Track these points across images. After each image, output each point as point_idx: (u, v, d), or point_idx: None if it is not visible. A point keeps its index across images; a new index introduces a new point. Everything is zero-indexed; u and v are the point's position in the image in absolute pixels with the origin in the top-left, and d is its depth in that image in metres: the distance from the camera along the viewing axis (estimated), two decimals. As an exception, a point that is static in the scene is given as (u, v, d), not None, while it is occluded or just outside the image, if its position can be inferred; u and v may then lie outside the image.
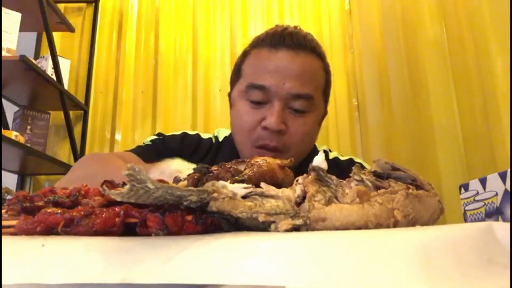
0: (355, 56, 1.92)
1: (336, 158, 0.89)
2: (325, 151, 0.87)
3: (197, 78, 1.99)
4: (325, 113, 0.83)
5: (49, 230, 0.32)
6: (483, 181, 0.52)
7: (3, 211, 0.37)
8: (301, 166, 0.62)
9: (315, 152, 0.85)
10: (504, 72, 1.05)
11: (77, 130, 1.93)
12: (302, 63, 0.73)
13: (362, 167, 0.79)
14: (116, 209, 0.32)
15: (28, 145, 1.64)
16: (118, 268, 0.25)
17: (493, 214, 0.49)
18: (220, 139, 0.89)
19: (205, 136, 0.90)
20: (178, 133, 0.90)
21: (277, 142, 0.72)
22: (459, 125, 1.28)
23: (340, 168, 0.84)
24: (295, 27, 0.78)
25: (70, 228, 0.32)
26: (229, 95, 0.83)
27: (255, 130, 0.73)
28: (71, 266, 0.25)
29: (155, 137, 0.89)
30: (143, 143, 0.87)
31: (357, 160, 0.89)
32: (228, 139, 0.87)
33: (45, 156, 1.66)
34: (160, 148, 0.84)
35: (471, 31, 1.19)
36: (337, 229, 0.33)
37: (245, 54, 0.80)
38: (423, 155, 1.41)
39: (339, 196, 0.36)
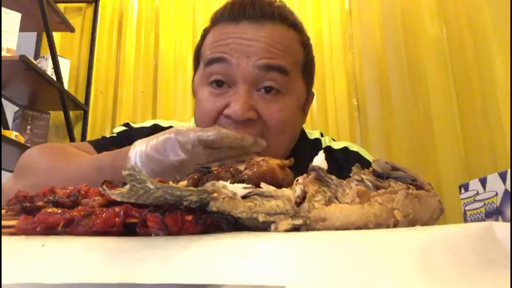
0: (355, 56, 1.92)
1: (329, 147, 0.77)
2: (317, 139, 0.79)
3: (197, 78, 1.99)
4: (309, 98, 0.70)
5: (49, 230, 0.32)
6: (483, 181, 0.52)
7: (3, 211, 0.37)
8: (291, 157, 0.54)
9: (306, 141, 0.75)
10: (504, 72, 1.05)
11: (77, 130, 1.93)
12: (269, 34, 0.60)
13: (358, 156, 0.75)
14: (116, 209, 0.32)
15: (28, 145, 1.64)
16: (118, 268, 0.25)
17: (493, 214, 0.49)
18: None
19: (180, 125, 0.77)
20: (149, 124, 0.79)
21: (247, 131, 0.56)
22: (459, 125, 1.28)
23: (334, 160, 0.72)
24: None
25: (70, 228, 0.32)
26: (192, 85, 0.72)
27: (218, 119, 0.60)
28: (71, 266, 0.25)
29: (123, 128, 0.79)
30: (111, 134, 0.79)
31: (352, 148, 0.77)
32: None
33: (45, 156, 1.66)
34: (124, 142, 0.69)
35: (471, 31, 1.19)
36: (337, 229, 0.33)
37: (204, 35, 0.68)
38: (423, 155, 1.41)
39: (339, 196, 0.36)
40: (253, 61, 0.59)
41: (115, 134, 0.78)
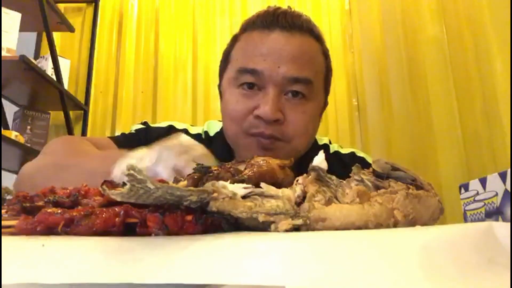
0: (355, 56, 1.92)
1: (337, 152, 0.82)
2: (325, 145, 0.83)
3: (197, 78, 1.99)
4: (325, 104, 0.76)
5: (49, 230, 0.32)
6: (483, 181, 0.52)
7: (3, 211, 0.37)
8: (302, 161, 0.59)
9: (316, 146, 0.79)
10: (504, 72, 1.05)
11: (77, 130, 1.93)
12: (299, 44, 0.66)
13: (364, 162, 0.79)
14: (116, 209, 0.32)
15: (28, 145, 1.64)
16: (118, 268, 0.25)
17: (493, 214, 0.49)
18: (211, 133, 0.82)
19: (194, 130, 0.83)
20: (164, 125, 0.82)
21: (274, 131, 0.64)
22: (459, 125, 1.28)
23: (342, 163, 0.78)
24: (289, 7, 0.70)
25: (70, 228, 0.32)
26: (219, 86, 0.76)
27: (247, 119, 0.65)
28: (71, 266, 0.25)
29: (141, 126, 0.82)
30: (130, 131, 0.82)
31: (359, 154, 0.82)
32: (220, 134, 0.79)
33: (45, 156, 1.66)
34: (142, 139, 0.75)
35: (471, 31, 1.19)
36: (337, 229, 0.33)
37: (234, 40, 0.72)
38: (423, 155, 1.41)
39: (339, 196, 0.36)
40: (283, 72, 0.64)
41: (133, 131, 0.81)
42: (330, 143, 0.86)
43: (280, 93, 0.65)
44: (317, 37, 0.70)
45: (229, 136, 0.72)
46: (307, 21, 0.69)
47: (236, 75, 0.68)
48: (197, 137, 0.80)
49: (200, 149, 0.53)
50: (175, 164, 0.49)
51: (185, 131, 0.80)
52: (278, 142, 0.65)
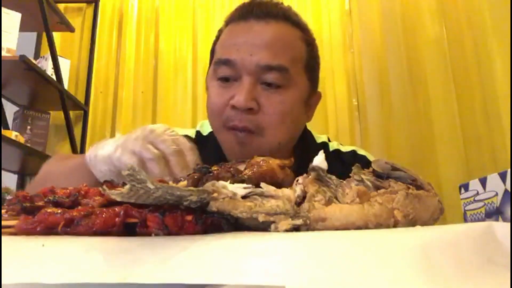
0: (355, 56, 1.92)
1: (337, 151, 0.80)
2: (324, 143, 0.81)
3: (197, 78, 1.99)
4: (312, 92, 0.74)
5: (49, 230, 0.32)
6: (483, 181, 0.52)
7: (3, 211, 0.37)
8: (300, 161, 0.58)
9: (313, 145, 0.79)
10: (504, 72, 1.05)
11: (77, 130, 1.93)
12: (273, 32, 0.66)
13: (366, 161, 0.77)
14: (116, 209, 0.32)
15: (28, 145, 1.64)
16: (118, 268, 0.25)
17: (493, 214, 0.49)
18: (205, 132, 0.80)
19: (182, 132, 0.79)
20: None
21: (248, 122, 0.63)
22: (459, 125, 1.28)
23: (343, 162, 0.76)
24: None
25: (70, 228, 0.32)
26: (206, 82, 0.76)
27: (225, 110, 0.65)
28: (71, 266, 0.25)
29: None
30: None
31: (360, 152, 0.80)
32: (213, 133, 0.77)
33: (45, 156, 1.66)
34: None
35: (471, 31, 1.19)
36: (337, 229, 0.33)
37: (218, 35, 0.73)
38: (423, 155, 1.42)
39: (339, 196, 0.36)
40: (256, 60, 0.63)
41: None
42: (329, 140, 0.84)
43: (255, 82, 0.64)
44: (296, 24, 0.69)
45: (214, 132, 0.71)
46: (285, 9, 0.69)
47: (214, 67, 0.68)
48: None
49: (163, 134, 0.53)
50: (132, 148, 0.51)
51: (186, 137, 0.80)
52: (254, 137, 0.64)
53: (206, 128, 0.80)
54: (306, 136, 0.78)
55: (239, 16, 0.68)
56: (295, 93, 0.67)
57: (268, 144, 0.65)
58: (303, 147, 0.74)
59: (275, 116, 0.64)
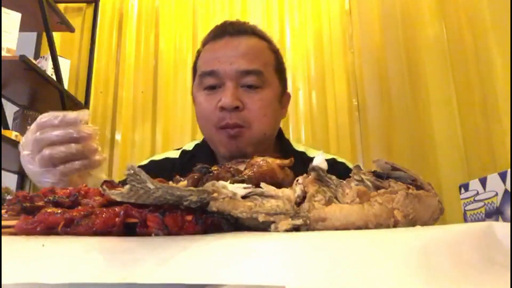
0: (355, 56, 1.92)
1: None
2: (303, 152, 0.88)
3: (197, 78, 1.99)
4: (284, 92, 0.86)
5: (49, 230, 0.32)
6: (483, 181, 0.52)
7: (3, 211, 0.37)
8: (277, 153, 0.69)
9: (290, 148, 0.88)
10: (504, 72, 1.05)
11: (77, 130, 1.93)
12: (246, 44, 0.79)
13: (344, 167, 0.84)
14: (116, 209, 0.32)
15: (28, 145, 1.63)
16: (118, 268, 0.25)
17: (493, 214, 0.49)
18: (189, 148, 0.90)
19: (168, 155, 0.91)
20: (144, 162, 0.90)
21: (237, 118, 0.74)
22: (459, 125, 1.28)
23: None
24: (236, 19, 0.86)
25: (70, 228, 0.32)
26: (192, 96, 0.86)
27: (215, 113, 0.76)
28: (71, 266, 0.25)
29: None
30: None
31: (340, 159, 0.89)
32: (200, 145, 0.89)
33: (45, 156, 1.66)
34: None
35: (471, 31, 1.19)
36: (337, 229, 0.33)
37: (198, 55, 0.86)
38: (423, 155, 1.41)
39: (339, 196, 0.36)
40: (235, 67, 0.76)
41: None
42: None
43: (237, 86, 0.76)
44: (263, 37, 0.84)
45: (206, 137, 0.82)
46: (252, 27, 0.84)
47: (200, 80, 0.80)
48: (170, 161, 0.88)
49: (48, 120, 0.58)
50: (27, 141, 0.58)
51: (165, 159, 0.89)
52: (242, 129, 0.75)
53: (190, 145, 0.92)
54: (285, 143, 0.89)
55: (215, 36, 0.81)
56: (270, 92, 0.79)
57: (256, 134, 0.76)
58: (283, 152, 0.83)
59: (258, 111, 0.76)
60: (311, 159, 0.83)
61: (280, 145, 0.88)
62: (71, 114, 0.57)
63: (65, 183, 0.58)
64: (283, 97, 0.85)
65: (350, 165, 0.87)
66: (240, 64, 0.76)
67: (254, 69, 0.76)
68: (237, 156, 0.72)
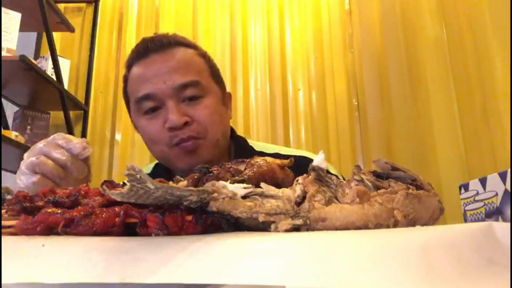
0: (355, 56, 1.92)
1: (276, 154, 0.80)
2: (262, 152, 0.81)
3: (197, 78, 1.99)
4: (225, 93, 0.84)
5: (49, 230, 0.32)
6: (483, 181, 0.52)
7: (3, 211, 0.37)
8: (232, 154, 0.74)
9: (247, 147, 0.85)
10: (504, 72, 1.05)
11: (77, 130, 1.93)
12: (173, 57, 0.75)
13: (308, 160, 0.81)
14: (116, 209, 0.32)
15: (28, 145, 1.63)
16: (118, 268, 0.25)
17: (493, 214, 0.49)
18: (148, 171, 0.88)
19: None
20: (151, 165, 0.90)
21: (189, 132, 0.72)
22: (459, 125, 1.28)
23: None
24: (154, 33, 0.82)
25: (70, 228, 0.32)
26: (132, 123, 0.84)
27: (164, 134, 0.73)
28: (71, 266, 0.25)
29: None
30: None
31: (299, 153, 0.81)
32: (156, 167, 0.88)
33: (45, 156, 1.66)
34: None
35: (471, 31, 1.19)
36: (337, 229, 0.33)
37: (125, 80, 0.81)
38: (423, 155, 1.41)
39: (339, 196, 0.36)
40: (170, 84, 0.73)
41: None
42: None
43: (178, 102, 0.73)
44: (188, 45, 0.80)
45: (159, 158, 0.79)
46: (174, 37, 0.79)
47: (137, 106, 0.76)
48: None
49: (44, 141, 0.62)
50: (35, 146, 0.62)
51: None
52: (198, 140, 0.73)
53: (147, 169, 0.90)
54: (238, 141, 0.86)
55: (139, 55, 0.77)
56: (213, 98, 0.77)
57: (211, 142, 0.74)
58: (239, 151, 0.82)
59: (207, 120, 0.74)
60: (271, 154, 0.81)
61: (235, 144, 0.85)
62: (78, 145, 0.63)
63: (32, 191, 0.60)
64: (225, 99, 0.83)
65: (311, 155, 0.81)
66: (175, 79, 0.73)
67: (190, 81, 0.74)
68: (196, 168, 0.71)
